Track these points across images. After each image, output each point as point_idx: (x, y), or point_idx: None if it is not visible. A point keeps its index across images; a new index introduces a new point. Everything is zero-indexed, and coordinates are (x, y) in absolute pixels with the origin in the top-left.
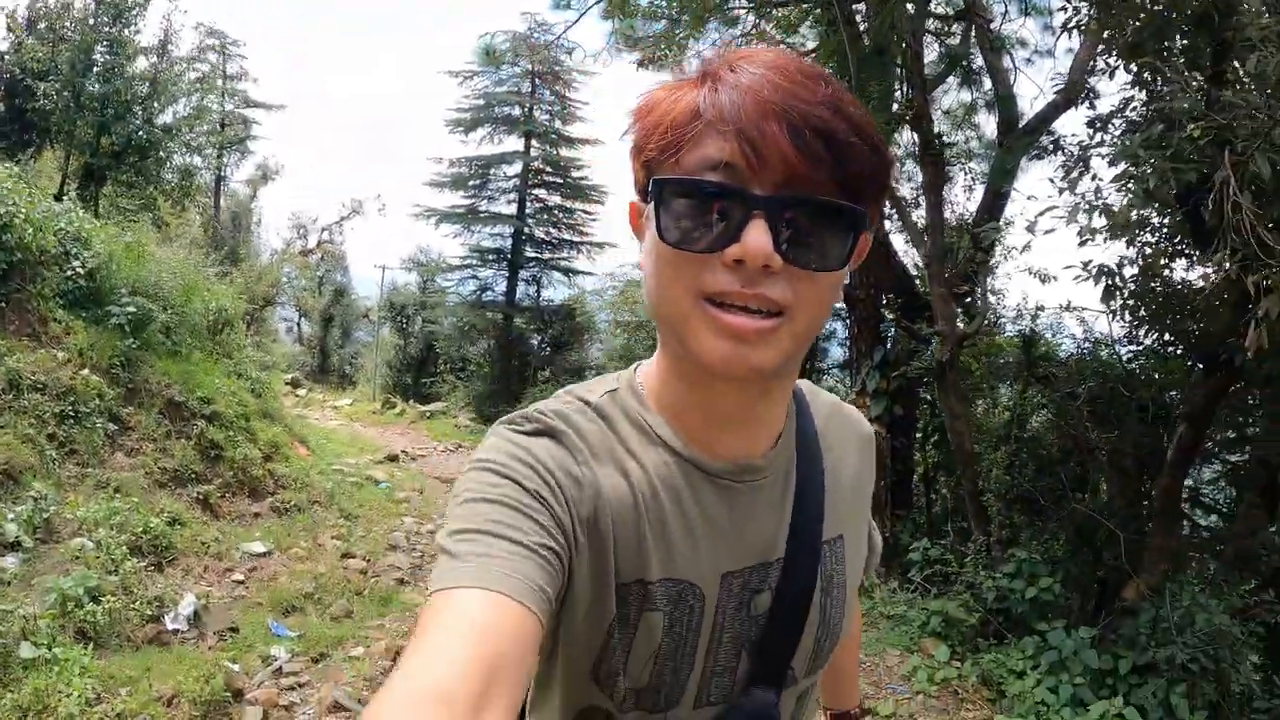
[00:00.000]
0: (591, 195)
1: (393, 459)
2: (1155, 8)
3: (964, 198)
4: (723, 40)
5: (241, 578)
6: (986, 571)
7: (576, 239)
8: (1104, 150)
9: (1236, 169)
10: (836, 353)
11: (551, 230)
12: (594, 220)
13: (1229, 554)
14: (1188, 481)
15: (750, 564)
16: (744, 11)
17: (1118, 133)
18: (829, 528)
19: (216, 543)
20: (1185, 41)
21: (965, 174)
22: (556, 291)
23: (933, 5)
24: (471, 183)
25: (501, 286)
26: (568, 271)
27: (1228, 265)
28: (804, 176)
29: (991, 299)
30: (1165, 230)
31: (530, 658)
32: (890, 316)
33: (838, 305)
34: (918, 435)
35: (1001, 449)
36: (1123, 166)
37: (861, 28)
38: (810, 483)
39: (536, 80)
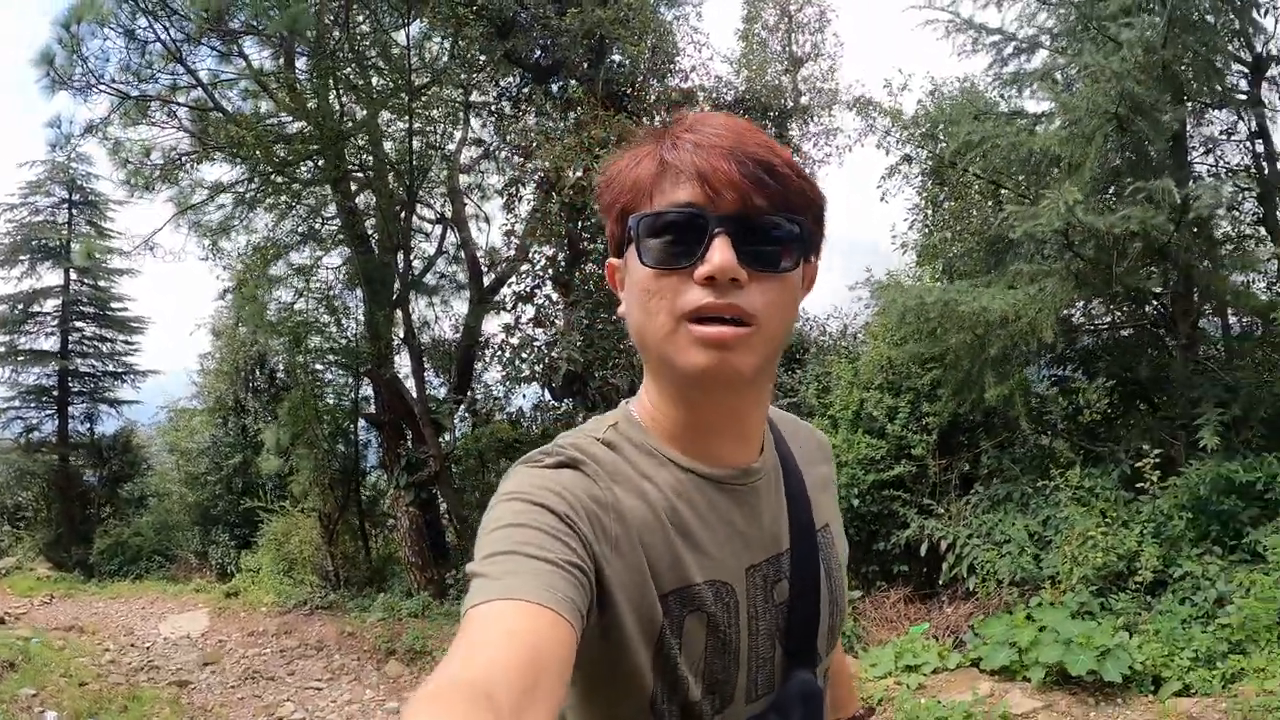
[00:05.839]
0: (133, 326)
1: (1, 622)
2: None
3: (453, 337)
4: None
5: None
6: None
7: (120, 370)
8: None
9: None
10: (373, 458)
11: (96, 364)
12: (136, 350)
13: None
14: None
15: (766, 556)
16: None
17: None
18: (816, 518)
19: None
20: None
21: (451, 317)
22: (109, 425)
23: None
24: (12, 320)
25: (50, 426)
26: (114, 403)
27: None
28: (754, 201)
29: (481, 397)
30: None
31: (568, 663)
32: (408, 432)
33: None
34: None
35: None
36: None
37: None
38: (794, 479)
39: (74, 211)
